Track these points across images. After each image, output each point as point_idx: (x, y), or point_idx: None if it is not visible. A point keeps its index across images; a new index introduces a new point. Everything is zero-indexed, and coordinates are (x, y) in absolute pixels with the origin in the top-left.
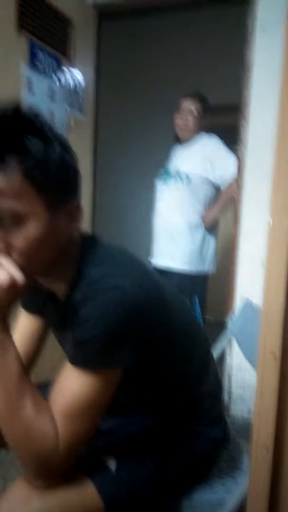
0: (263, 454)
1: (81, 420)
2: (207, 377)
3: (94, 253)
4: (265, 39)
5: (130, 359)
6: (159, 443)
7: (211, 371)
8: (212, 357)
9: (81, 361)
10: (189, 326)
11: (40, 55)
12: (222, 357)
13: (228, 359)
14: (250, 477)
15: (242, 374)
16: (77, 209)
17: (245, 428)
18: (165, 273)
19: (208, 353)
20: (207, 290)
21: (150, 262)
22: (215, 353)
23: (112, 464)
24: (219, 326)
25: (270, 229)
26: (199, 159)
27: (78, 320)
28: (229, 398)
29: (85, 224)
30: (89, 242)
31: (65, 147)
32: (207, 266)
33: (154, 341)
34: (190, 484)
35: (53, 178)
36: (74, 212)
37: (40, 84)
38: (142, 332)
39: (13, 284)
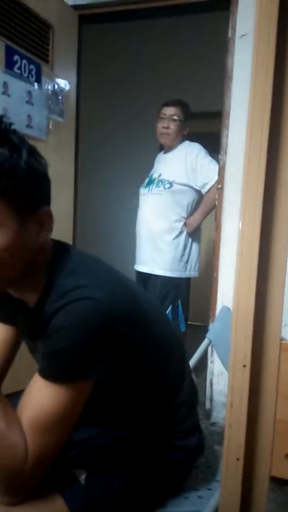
0: (235, 465)
1: (50, 433)
2: (182, 386)
3: (66, 262)
4: (244, 47)
5: (102, 371)
6: (132, 454)
7: (187, 380)
8: (188, 366)
9: (50, 372)
10: (165, 335)
11: (18, 59)
12: (203, 363)
13: (210, 366)
14: (221, 487)
15: (224, 381)
16: (48, 217)
17: None
18: (148, 278)
19: (184, 362)
20: (190, 295)
21: (133, 268)
22: (194, 359)
23: (82, 477)
24: (203, 331)
25: (240, 235)
26: (181, 166)
27: (49, 331)
28: (211, 404)
29: (66, 231)
30: (61, 251)
31: (33, 154)
32: (190, 271)
33: (128, 351)
34: (164, 496)
35: (21, 187)
36: (45, 220)
37: (17, 88)
38: (115, 343)
39: None
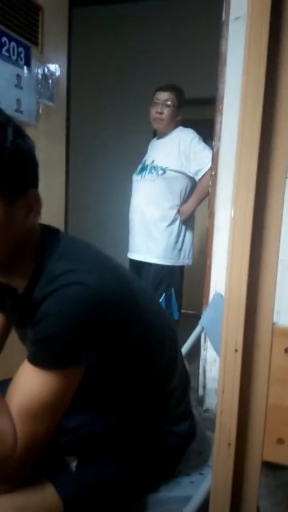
0: (226, 450)
1: (40, 420)
2: (174, 372)
3: (55, 246)
4: (239, 30)
5: (92, 357)
6: (124, 440)
7: (179, 366)
8: (180, 353)
9: (40, 359)
10: (158, 322)
11: (6, 41)
12: (196, 350)
13: (203, 353)
14: (213, 472)
15: (217, 368)
16: (36, 200)
17: None
18: (141, 266)
19: (176, 349)
20: (183, 283)
21: (127, 256)
22: (187, 346)
23: (73, 464)
24: (197, 320)
25: (232, 222)
26: (175, 152)
27: (38, 317)
28: (204, 391)
29: (58, 218)
30: (49, 235)
31: (20, 135)
32: (184, 259)
33: (119, 337)
34: (156, 481)
35: (8, 168)
36: (32, 204)
37: (5, 71)
38: (106, 328)
39: None
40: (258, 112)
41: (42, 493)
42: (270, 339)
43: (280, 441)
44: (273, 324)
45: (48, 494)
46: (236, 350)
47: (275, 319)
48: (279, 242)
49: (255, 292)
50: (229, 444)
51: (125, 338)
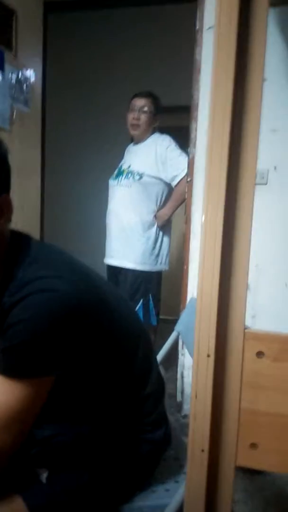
0: (200, 457)
1: (7, 432)
2: (149, 379)
3: (25, 253)
4: (212, 39)
5: (62, 366)
6: (97, 450)
7: (154, 373)
8: (155, 360)
9: (8, 368)
10: (131, 329)
11: None
12: (174, 356)
13: (181, 358)
14: (187, 480)
15: None
16: (7, 205)
17: None
18: (118, 272)
19: (151, 355)
20: (162, 288)
21: (104, 262)
22: (163, 352)
23: (43, 476)
24: (174, 325)
25: (203, 227)
26: (151, 158)
27: (7, 324)
28: (182, 397)
29: (33, 223)
30: (20, 241)
31: None
32: (161, 264)
33: (91, 344)
34: (131, 491)
35: None
36: (4, 209)
37: None
38: (76, 336)
39: None
40: (227, 120)
41: (10, 505)
42: (242, 344)
43: (253, 446)
44: (245, 328)
45: (16, 506)
46: (208, 356)
47: (250, 323)
48: (249, 247)
49: (227, 297)
50: (202, 450)
51: (96, 345)
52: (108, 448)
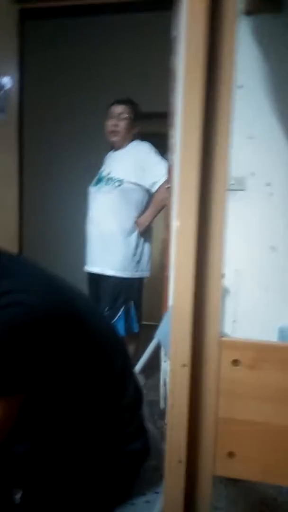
0: (177, 468)
1: None
2: (125, 393)
3: None
4: None
5: (30, 382)
6: (73, 465)
7: (131, 384)
8: (132, 372)
9: None
10: (105, 340)
11: None
12: (156, 363)
13: (163, 365)
14: (165, 491)
15: None
16: None
17: None
18: (99, 279)
19: (127, 365)
20: (142, 295)
21: (85, 270)
22: (143, 360)
23: (17, 495)
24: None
25: (177, 233)
26: (131, 164)
27: None
28: (165, 404)
29: (12, 232)
30: None
31: None
32: (142, 271)
33: (63, 357)
34: (110, 505)
35: None
36: None
37: None
38: (46, 351)
39: None
40: (197, 128)
41: None
42: (218, 352)
43: (231, 454)
44: (221, 336)
45: None
46: (184, 365)
47: (231, 329)
48: (223, 254)
49: (202, 305)
50: (180, 461)
51: (68, 359)
52: (85, 464)
